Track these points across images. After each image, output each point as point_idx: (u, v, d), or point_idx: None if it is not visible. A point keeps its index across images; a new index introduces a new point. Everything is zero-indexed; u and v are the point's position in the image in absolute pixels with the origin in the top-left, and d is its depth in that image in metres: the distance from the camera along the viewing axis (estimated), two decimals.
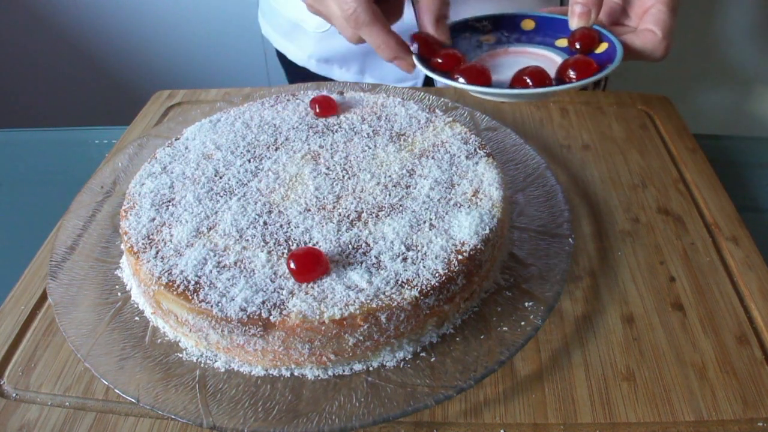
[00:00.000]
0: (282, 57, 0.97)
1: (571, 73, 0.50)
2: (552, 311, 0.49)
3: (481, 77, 0.51)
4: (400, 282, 0.45)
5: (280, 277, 0.45)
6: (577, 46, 0.54)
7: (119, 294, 0.53)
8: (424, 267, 0.46)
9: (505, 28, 0.60)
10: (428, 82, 0.86)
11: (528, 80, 0.50)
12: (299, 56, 0.92)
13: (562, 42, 0.56)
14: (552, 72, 0.52)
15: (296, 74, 0.95)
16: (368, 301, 0.43)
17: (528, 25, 0.59)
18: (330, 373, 0.46)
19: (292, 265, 0.45)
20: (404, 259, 0.46)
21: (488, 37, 0.60)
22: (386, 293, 0.44)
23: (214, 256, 0.47)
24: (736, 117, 1.51)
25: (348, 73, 0.89)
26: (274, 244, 0.48)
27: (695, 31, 1.40)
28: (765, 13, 1.36)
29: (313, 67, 0.91)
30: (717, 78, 1.47)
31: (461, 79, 0.51)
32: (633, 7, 0.55)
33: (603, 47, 0.53)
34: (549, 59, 0.56)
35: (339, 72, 0.90)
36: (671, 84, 1.43)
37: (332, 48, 0.87)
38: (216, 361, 0.47)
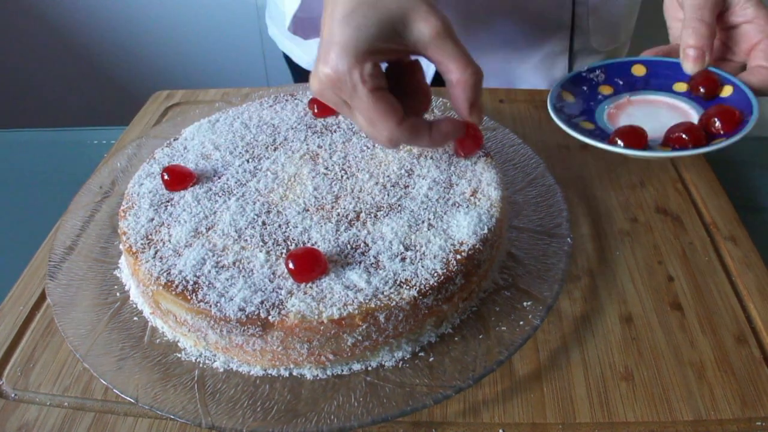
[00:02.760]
0: (288, 59, 0.97)
1: (717, 124, 0.50)
2: (550, 311, 0.49)
3: (640, 140, 0.51)
4: (398, 282, 0.45)
5: (279, 277, 0.46)
6: (702, 91, 0.54)
7: (118, 294, 0.53)
8: (422, 267, 0.46)
9: (617, 75, 0.60)
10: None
11: (685, 137, 0.50)
12: (305, 59, 0.92)
13: (680, 86, 0.56)
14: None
15: (302, 76, 0.95)
16: (367, 301, 0.43)
17: (639, 71, 0.59)
18: (329, 372, 0.46)
19: (291, 265, 0.45)
20: (403, 259, 0.46)
21: (606, 87, 0.60)
22: (385, 293, 0.44)
23: (213, 256, 0.47)
24: None
25: None
26: (273, 244, 0.48)
27: None
28: None
29: None
30: None
31: (620, 143, 0.51)
32: (738, 43, 0.54)
33: (728, 90, 0.53)
34: (674, 107, 0.56)
35: None
36: None
37: None
38: (215, 361, 0.47)
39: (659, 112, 0.55)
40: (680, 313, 0.52)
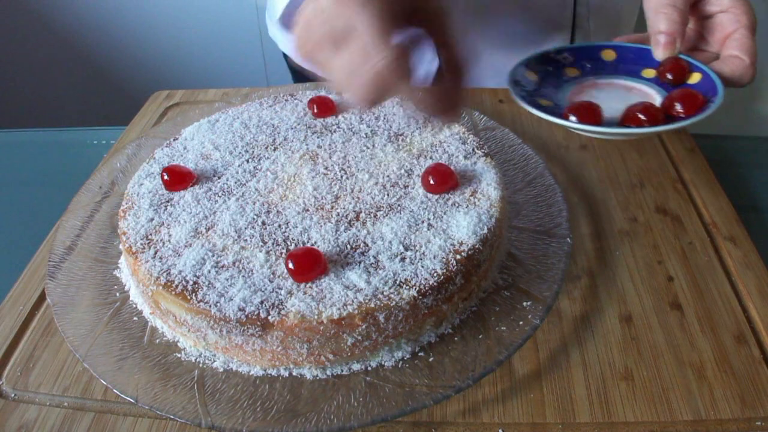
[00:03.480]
0: (287, 59, 0.97)
1: (678, 108, 0.49)
2: (550, 311, 0.49)
3: (593, 116, 0.50)
4: (398, 282, 0.45)
5: (279, 277, 0.46)
6: (669, 77, 0.53)
7: (118, 294, 0.53)
8: (422, 267, 0.46)
9: (585, 59, 0.59)
10: None
11: (642, 117, 0.49)
12: None
13: (649, 72, 0.55)
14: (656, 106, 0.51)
15: (302, 77, 0.94)
16: (366, 301, 0.43)
17: (608, 55, 0.58)
18: (328, 372, 0.46)
19: (291, 265, 0.45)
20: (402, 259, 0.46)
21: (572, 69, 0.59)
22: (384, 293, 0.44)
23: (213, 256, 0.47)
24: (737, 116, 1.51)
25: None
26: (273, 244, 0.48)
27: None
28: (766, 12, 1.36)
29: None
30: None
31: (573, 118, 0.50)
32: (713, 32, 0.53)
33: (696, 77, 0.52)
34: (640, 91, 0.55)
35: None
36: None
37: None
38: (214, 361, 0.47)
39: (622, 96, 0.54)
40: (680, 313, 0.52)
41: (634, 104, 0.51)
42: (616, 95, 0.55)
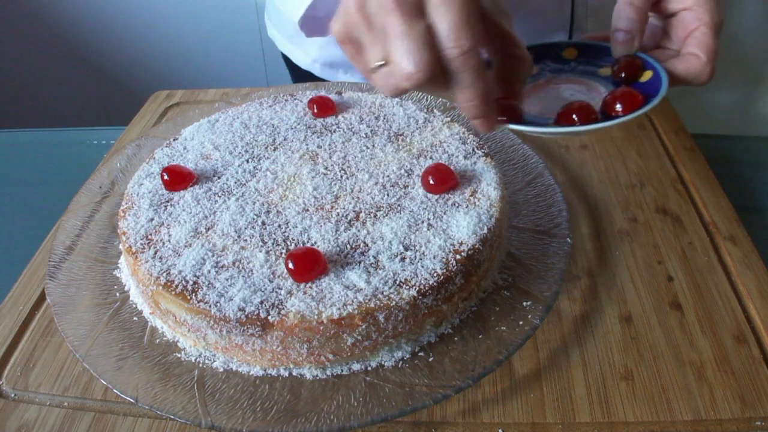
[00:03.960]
0: (287, 60, 0.97)
1: (618, 107, 0.49)
2: (550, 311, 0.49)
3: (512, 113, 0.49)
4: (398, 282, 0.45)
5: (279, 277, 0.46)
6: (622, 75, 0.53)
7: (118, 294, 0.53)
8: (422, 267, 0.46)
9: (548, 57, 0.58)
10: None
11: (574, 117, 0.49)
12: (304, 60, 0.92)
13: (606, 71, 0.55)
14: (598, 105, 0.51)
15: (301, 77, 0.94)
16: (366, 301, 0.43)
17: (570, 54, 0.57)
18: (328, 372, 0.46)
19: (291, 265, 0.45)
20: (402, 259, 0.46)
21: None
22: (384, 293, 0.44)
23: (213, 256, 0.47)
24: (737, 116, 1.51)
25: (353, 78, 0.89)
26: (273, 244, 0.48)
27: None
28: (765, 12, 1.36)
29: (317, 71, 0.91)
30: (719, 76, 1.47)
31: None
32: (675, 30, 0.53)
33: (647, 75, 0.51)
34: (594, 90, 0.55)
35: (344, 77, 0.89)
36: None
37: (337, 53, 0.87)
38: (214, 361, 0.47)
39: (572, 94, 0.54)
40: (680, 312, 0.52)
41: (571, 103, 0.50)
42: (567, 94, 0.54)
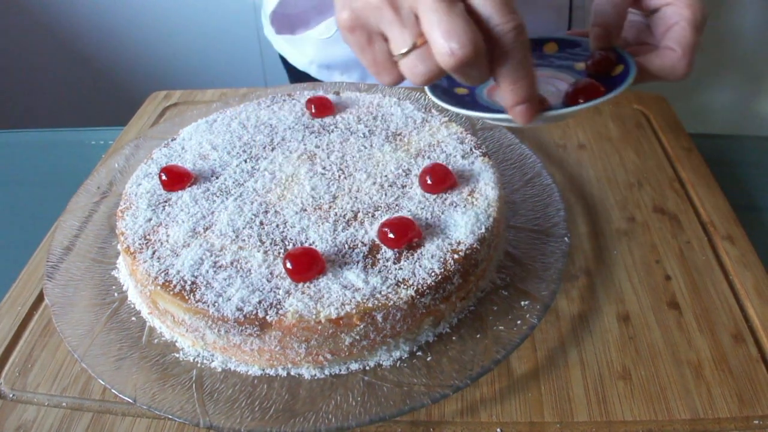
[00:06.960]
0: (284, 60, 0.97)
1: (580, 99, 0.49)
2: (548, 310, 0.49)
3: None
4: (396, 281, 0.45)
5: (277, 276, 0.46)
6: (594, 70, 0.53)
7: (116, 294, 0.53)
8: (420, 266, 0.46)
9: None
10: None
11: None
12: (300, 61, 0.92)
13: (582, 65, 0.55)
14: (561, 98, 0.50)
15: (298, 78, 0.94)
16: (364, 301, 0.43)
17: (550, 48, 0.58)
18: (326, 372, 0.46)
19: (289, 265, 0.45)
20: (400, 259, 0.46)
21: None
22: (382, 292, 0.44)
23: (211, 256, 0.47)
24: (734, 116, 1.51)
25: (350, 80, 0.89)
26: (271, 243, 0.48)
27: None
28: (766, 11, 1.36)
29: (314, 72, 0.91)
30: (717, 76, 1.47)
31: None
32: (657, 26, 0.53)
33: (619, 69, 0.52)
34: (567, 83, 0.55)
35: (340, 79, 0.89)
36: (670, 82, 1.43)
37: (334, 55, 0.87)
38: (213, 360, 0.47)
39: (546, 89, 0.54)
40: (677, 312, 0.52)
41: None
42: (541, 89, 0.54)
